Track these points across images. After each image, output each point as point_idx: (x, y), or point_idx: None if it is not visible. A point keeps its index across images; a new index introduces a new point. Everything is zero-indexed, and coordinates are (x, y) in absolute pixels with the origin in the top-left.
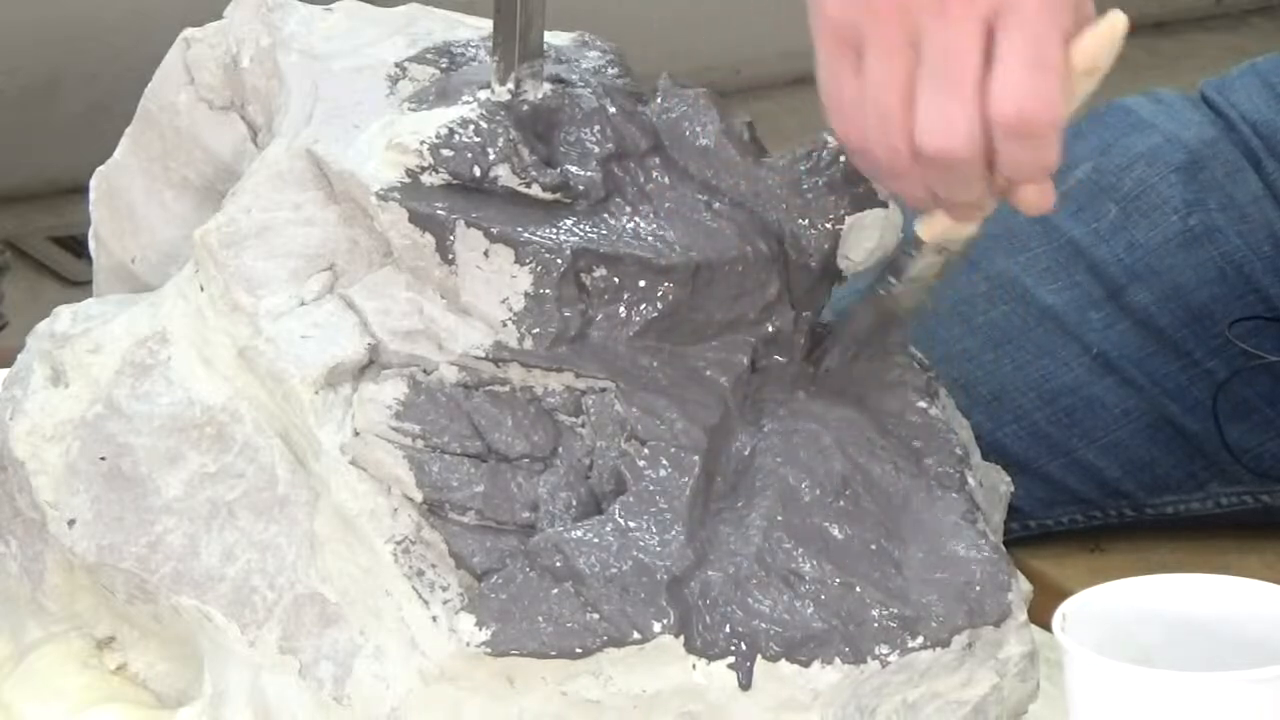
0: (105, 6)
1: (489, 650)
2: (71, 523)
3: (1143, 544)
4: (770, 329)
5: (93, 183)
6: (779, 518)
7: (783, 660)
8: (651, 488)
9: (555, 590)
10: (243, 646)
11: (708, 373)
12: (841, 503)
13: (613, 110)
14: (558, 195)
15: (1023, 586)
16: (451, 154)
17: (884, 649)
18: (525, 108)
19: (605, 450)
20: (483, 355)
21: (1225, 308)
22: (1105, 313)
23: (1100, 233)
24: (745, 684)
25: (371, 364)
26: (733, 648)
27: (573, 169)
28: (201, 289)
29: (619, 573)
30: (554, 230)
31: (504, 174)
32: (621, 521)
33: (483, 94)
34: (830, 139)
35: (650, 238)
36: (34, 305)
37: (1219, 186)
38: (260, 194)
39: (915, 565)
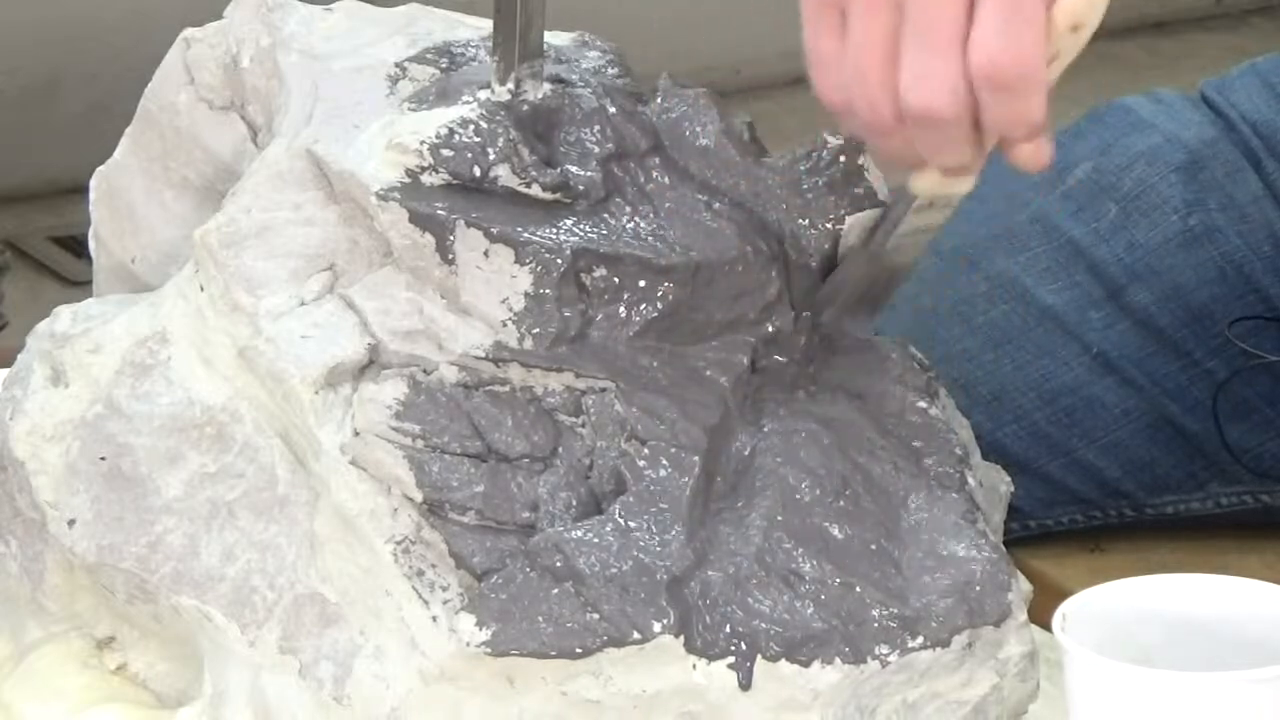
0: (105, 6)
1: (489, 650)
2: (71, 523)
3: (1143, 544)
4: (770, 329)
5: (93, 183)
6: (779, 518)
7: (783, 660)
8: (651, 488)
9: (555, 590)
10: (243, 646)
11: (708, 373)
12: (841, 503)
13: (613, 110)
14: (558, 195)
15: (1023, 586)
16: (451, 154)
17: (884, 649)
18: (525, 108)
19: (605, 450)
20: (483, 355)
21: (1225, 308)
22: (1105, 313)
23: (1100, 233)
24: (745, 684)
25: (371, 364)
26: (733, 648)
27: (573, 169)
28: (201, 289)
29: (619, 573)
30: (554, 230)
31: (504, 174)
32: (621, 521)
33: (483, 94)
34: (830, 139)
35: (650, 238)
36: (34, 305)
37: (1219, 186)
38: (260, 194)
39: (915, 565)
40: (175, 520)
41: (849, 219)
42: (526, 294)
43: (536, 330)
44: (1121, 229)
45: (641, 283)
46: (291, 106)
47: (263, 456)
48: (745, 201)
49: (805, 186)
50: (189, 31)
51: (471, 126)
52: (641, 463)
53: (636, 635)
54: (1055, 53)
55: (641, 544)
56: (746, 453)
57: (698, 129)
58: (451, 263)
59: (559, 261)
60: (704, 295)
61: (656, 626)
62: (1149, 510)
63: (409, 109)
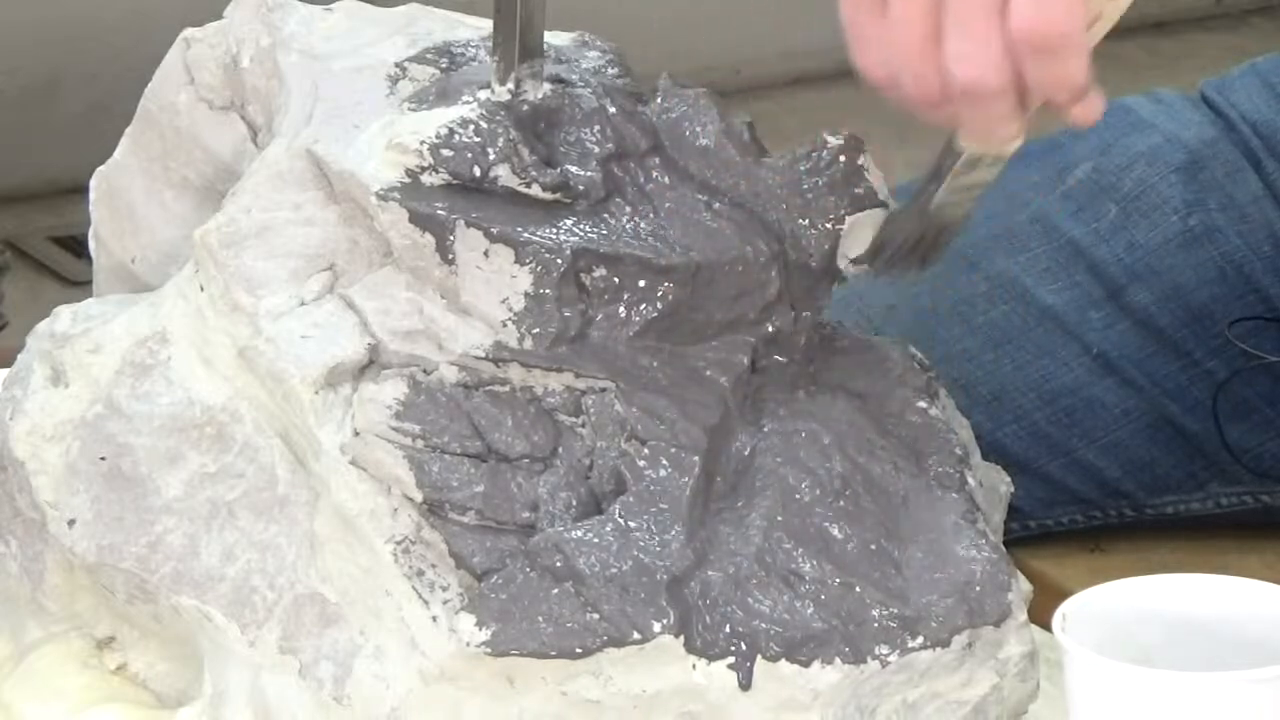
0: (105, 6)
1: (489, 650)
2: (71, 523)
3: (1143, 544)
4: (770, 329)
5: (93, 183)
6: (779, 518)
7: (783, 660)
8: (651, 488)
9: (555, 590)
10: (243, 646)
11: (708, 373)
12: (841, 503)
13: (613, 110)
14: (558, 195)
15: (1023, 586)
16: (451, 154)
17: (884, 649)
18: (525, 108)
19: (605, 450)
20: (483, 355)
21: (1225, 308)
22: (1105, 313)
23: (1100, 233)
24: (745, 684)
25: (371, 364)
26: (733, 648)
27: (573, 169)
28: (201, 289)
29: (619, 573)
30: (554, 230)
31: (504, 174)
32: (621, 521)
33: (483, 94)
34: (830, 139)
35: (650, 238)
36: (34, 305)
37: (1219, 186)
38: (260, 194)
39: (915, 565)
40: (175, 520)
41: (849, 219)
42: (526, 294)
43: (536, 330)
44: (1121, 229)
45: (641, 283)
46: (291, 106)
47: (263, 456)
48: (745, 201)
49: (805, 186)
50: (189, 31)
51: (471, 126)
52: (641, 463)
53: (636, 635)
54: (1097, 14)
55: (641, 544)
56: (746, 453)
57: (698, 129)
58: (451, 263)
59: (559, 261)
60: (704, 295)
61: (656, 626)
62: (1149, 510)
63: (409, 109)
